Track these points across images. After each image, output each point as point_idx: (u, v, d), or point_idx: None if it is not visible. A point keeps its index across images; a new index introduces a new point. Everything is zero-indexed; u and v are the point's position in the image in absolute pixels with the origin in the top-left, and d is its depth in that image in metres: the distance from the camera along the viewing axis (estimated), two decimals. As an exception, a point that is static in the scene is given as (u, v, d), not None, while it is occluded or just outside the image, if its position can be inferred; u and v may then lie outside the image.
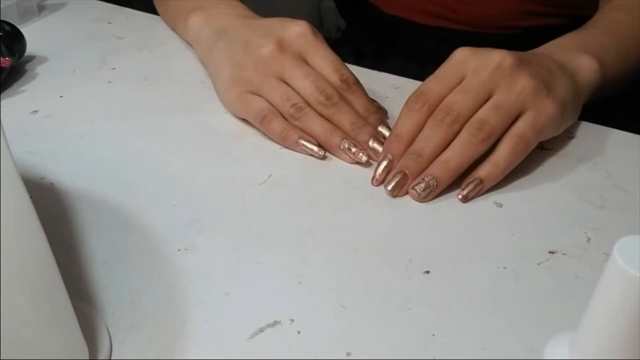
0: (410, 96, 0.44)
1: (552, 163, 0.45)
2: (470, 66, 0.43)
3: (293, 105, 0.45)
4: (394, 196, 0.41)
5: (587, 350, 0.26)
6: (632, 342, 0.25)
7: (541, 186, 0.43)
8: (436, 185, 0.40)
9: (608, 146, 0.46)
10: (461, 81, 0.43)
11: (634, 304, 0.24)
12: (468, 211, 0.40)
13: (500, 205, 0.41)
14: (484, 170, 0.41)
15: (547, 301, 0.34)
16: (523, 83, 0.42)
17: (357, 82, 0.47)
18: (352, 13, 0.76)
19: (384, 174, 0.42)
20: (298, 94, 0.46)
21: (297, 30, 0.47)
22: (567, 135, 0.47)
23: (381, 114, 0.47)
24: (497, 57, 0.43)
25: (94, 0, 0.71)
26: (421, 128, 0.43)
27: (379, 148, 0.44)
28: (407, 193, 0.42)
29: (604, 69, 0.47)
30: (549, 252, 0.37)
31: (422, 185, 0.41)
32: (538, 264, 0.36)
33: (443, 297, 0.34)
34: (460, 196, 0.41)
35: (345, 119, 0.45)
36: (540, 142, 0.44)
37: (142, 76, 0.56)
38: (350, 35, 0.76)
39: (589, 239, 0.38)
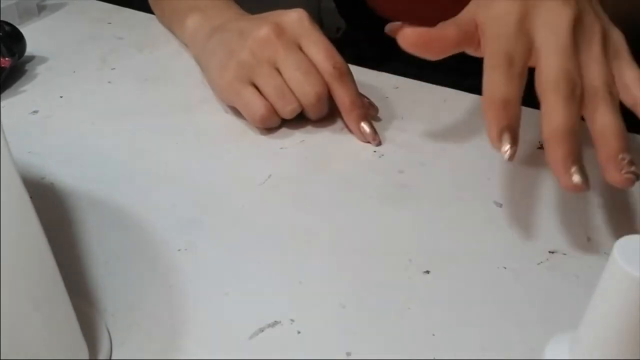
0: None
1: (552, 163, 0.45)
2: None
3: (286, 106, 0.46)
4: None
5: (587, 350, 0.26)
6: (633, 342, 0.25)
7: (541, 186, 0.43)
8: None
9: (608, 146, 0.46)
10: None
11: (634, 304, 0.24)
12: (468, 211, 0.40)
13: (500, 205, 0.41)
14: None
15: (547, 301, 0.34)
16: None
17: (348, 72, 0.47)
18: (352, 14, 0.76)
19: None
20: (287, 84, 0.46)
21: (293, 16, 0.47)
22: (567, 135, 0.47)
23: (366, 110, 0.47)
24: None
25: (94, 0, 0.71)
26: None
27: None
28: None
29: None
30: (549, 251, 0.37)
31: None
32: (538, 264, 0.36)
33: (443, 297, 0.34)
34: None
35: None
36: (539, 142, 0.44)
37: (142, 76, 0.56)
38: (350, 37, 0.76)
39: (589, 239, 0.38)
